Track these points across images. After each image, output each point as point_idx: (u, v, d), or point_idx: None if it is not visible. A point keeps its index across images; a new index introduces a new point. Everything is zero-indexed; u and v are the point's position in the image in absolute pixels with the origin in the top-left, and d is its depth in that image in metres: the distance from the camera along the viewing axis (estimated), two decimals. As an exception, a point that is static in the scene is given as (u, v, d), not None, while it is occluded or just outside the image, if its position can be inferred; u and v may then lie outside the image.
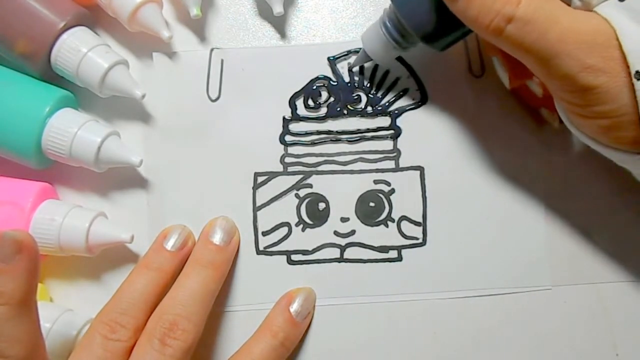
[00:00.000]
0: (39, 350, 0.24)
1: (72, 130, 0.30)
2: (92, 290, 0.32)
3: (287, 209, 0.32)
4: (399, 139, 0.32)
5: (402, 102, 0.33)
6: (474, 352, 0.31)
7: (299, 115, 0.33)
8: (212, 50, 0.33)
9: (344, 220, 0.32)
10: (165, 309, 0.27)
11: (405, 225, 0.32)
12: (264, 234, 0.32)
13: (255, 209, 0.32)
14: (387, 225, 0.32)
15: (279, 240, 0.32)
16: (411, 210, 0.32)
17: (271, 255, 0.32)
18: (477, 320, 0.32)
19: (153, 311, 0.27)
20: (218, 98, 0.33)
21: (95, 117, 0.32)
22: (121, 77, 0.31)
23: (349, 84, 0.33)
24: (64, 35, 0.30)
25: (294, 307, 0.30)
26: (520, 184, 0.32)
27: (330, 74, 0.33)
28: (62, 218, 0.30)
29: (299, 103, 0.33)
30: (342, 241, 0.32)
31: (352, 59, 0.33)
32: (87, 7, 0.32)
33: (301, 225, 0.32)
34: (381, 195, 0.32)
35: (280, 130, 0.33)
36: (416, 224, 0.32)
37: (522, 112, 0.32)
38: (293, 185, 0.32)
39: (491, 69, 0.32)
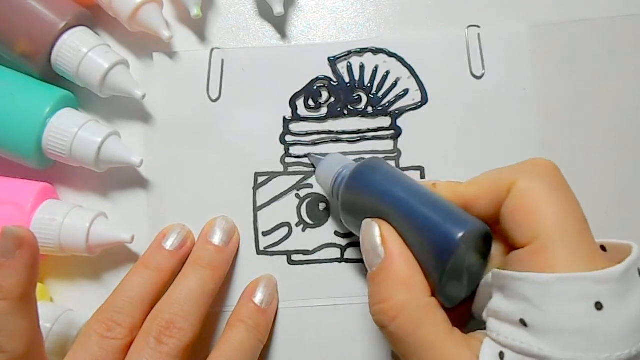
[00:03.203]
0: (37, 346, 0.24)
1: (72, 131, 0.30)
2: (92, 290, 0.32)
3: (287, 209, 0.32)
4: (399, 139, 0.32)
5: (403, 103, 0.33)
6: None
7: (299, 115, 0.33)
8: (212, 50, 0.33)
9: (345, 220, 0.32)
10: (163, 308, 0.27)
11: (405, 226, 0.32)
12: (265, 234, 0.32)
13: (256, 209, 0.32)
14: (387, 226, 0.32)
15: (279, 241, 0.32)
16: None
17: (272, 255, 0.32)
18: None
19: (150, 310, 0.28)
20: (218, 98, 0.33)
21: (96, 117, 0.32)
22: (121, 77, 0.31)
23: (349, 84, 0.33)
24: (65, 36, 0.30)
25: (258, 297, 0.30)
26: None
27: (330, 74, 0.33)
28: (63, 218, 0.30)
29: (300, 103, 0.33)
30: (343, 241, 0.32)
31: (353, 59, 0.33)
32: (87, 7, 0.32)
33: (302, 226, 0.32)
34: (381, 195, 0.32)
35: (281, 130, 0.33)
36: (416, 224, 0.32)
37: (521, 114, 0.32)
38: (293, 186, 0.32)
39: (492, 69, 0.32)
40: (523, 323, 0.20)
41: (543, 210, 0.21)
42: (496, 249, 0.24)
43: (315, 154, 0.32)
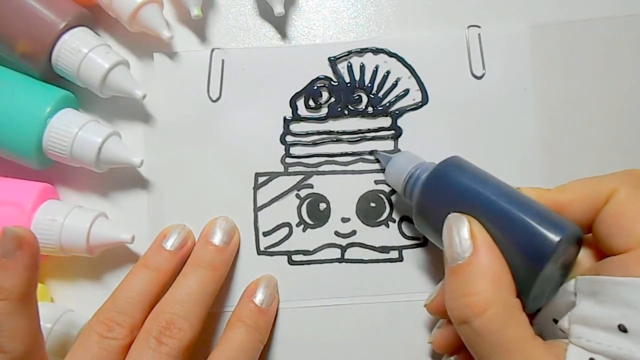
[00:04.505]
0: (38, 346, 0.24)
1: (73, 131, 0.30)
2: (92, 290, 0.32)
3: (287, 210, 0.32)
4: (399, 139, 0.32)
5: (403, 103, 0.33)
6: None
7: (299, 115, 0.33)
8: (212, 50, 0.33)
9: (345, 220, 0.32)
10: (163, 308, 0.27)
11: (406, 226, 0.32)
12: (265, 234, 0.32)
13: (256, 209, 0.32)
14: (387, 226, 0.32)
15: (279, 241, 0.32)
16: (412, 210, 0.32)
17: (272, 255, 0.32)
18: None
19: (151, 310, 0.28)
20: (219, 98, 0.33)
21: (96, 118, 0.32)
22: (122, 77, 0.31)
23: (349, 84, 0.33)
24: (65, 36, 0.30)
25: (258, 298, 0.30)
26: (520, 183, 0.32)
27: (331, 74, 0.33)
28: (63, 218, 0.30)
29: (300, 103, 0.33)
30: (343, 241, 0.32)
31: (353, 59, 0.33)
32: (87, 8, 0.32)
33: (302, 226, 0.32)
34: (382, 195, 0.32)
35: (281, 130, 0.33)
36: (417, 224, 0.32)
37: (522, 114, 0.32)
38: (294, 186, 0.32)
39: (492, 69, 0.32)
40: (622, 329, 0.20)
41: None
42: (581, 255, 0.24)
43: (383, 151, 0.32)
